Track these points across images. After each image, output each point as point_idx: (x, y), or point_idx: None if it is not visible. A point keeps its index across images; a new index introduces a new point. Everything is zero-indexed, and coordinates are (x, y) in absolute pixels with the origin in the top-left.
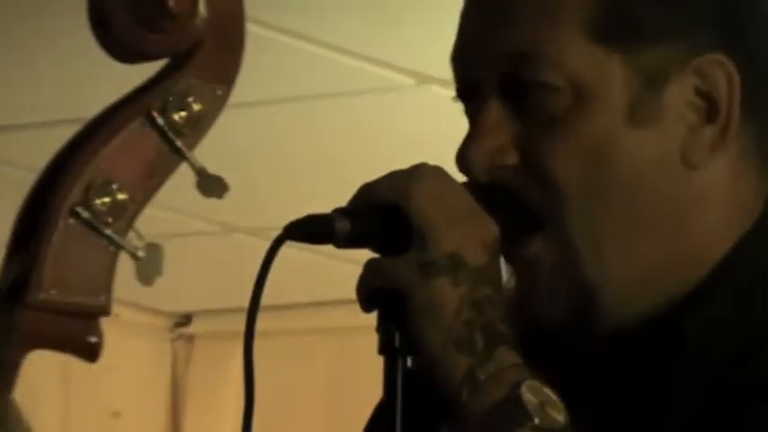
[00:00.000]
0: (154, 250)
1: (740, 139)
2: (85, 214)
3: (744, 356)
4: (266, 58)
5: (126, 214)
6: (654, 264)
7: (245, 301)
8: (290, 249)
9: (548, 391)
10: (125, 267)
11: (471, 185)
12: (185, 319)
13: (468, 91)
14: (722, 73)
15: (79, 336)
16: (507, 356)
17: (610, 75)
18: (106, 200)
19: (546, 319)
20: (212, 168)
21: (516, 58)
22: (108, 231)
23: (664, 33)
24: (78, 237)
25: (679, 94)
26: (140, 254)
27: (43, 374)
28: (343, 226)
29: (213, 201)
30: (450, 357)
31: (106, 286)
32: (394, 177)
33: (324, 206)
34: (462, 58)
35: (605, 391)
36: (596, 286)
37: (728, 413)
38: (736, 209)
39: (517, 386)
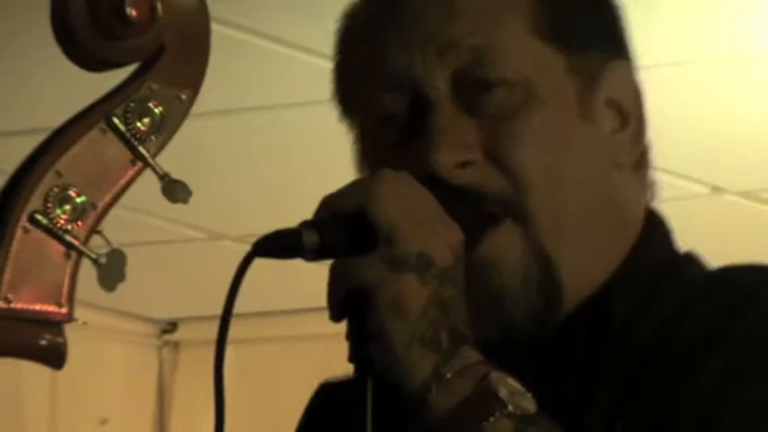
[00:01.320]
0: (116, 256)
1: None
2: (44, 221)
3: (666, 324)
4: (255, 66)
5: (87, 221)
6: (600, 249)
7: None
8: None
9: (513, 381)
10: None
11: (433, 191)
12: (171, 326)
13: (406, 97)
14: (628, 81)
15: (42, 343)
16: (471, 354)
17: (557, 72)
18: (66, 207)
19: (513, 323)
20: (199, 177)
21: (470, 54)
22: (68, 238)
23: (590, 39)
24: (38, 244)
25: (602, 99)
26: (102, 260)
27: (31, 381)
28: (310, 239)
29: (200, 208)
30: (415, 355)
31: (68, 293)
32: (357, 184)
33: (307, 213)
34: (404, 60)
35: (558, 377)
36: (563, 269)
37: (659, 378)
38: (638, 210)
39: (485, 378)
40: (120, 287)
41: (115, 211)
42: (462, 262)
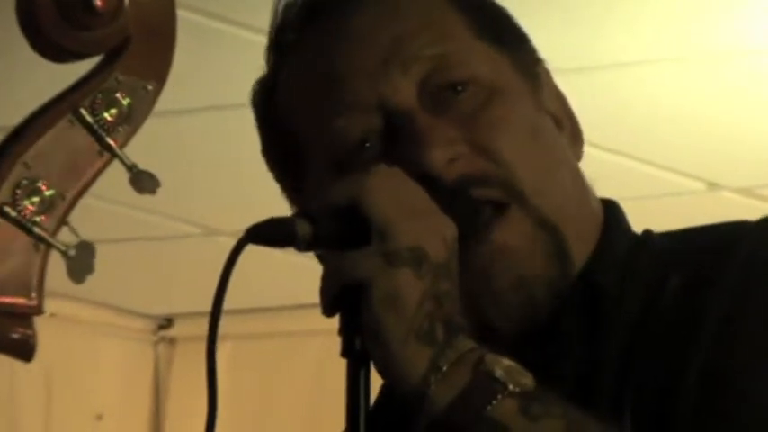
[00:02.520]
0: (85, 248)
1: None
2: (13, 213)
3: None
4: (252, 63)
5: (56, 212)
6: (584, 226)
7: (227, 305)
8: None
9: (507, 360)
10: (108, 271)
11: (426, 188)
12: (167, 322)
13: (380, 113)
14: (549, 88)
15: (11, 335)
16: (465, 343)
17: (507, 70)
18: (35, 199)
19: (538, 290)
20: (194, 173)
21: (433, 62)
22: (37, 230)
23: (518, 41)
24: (7, 236)
25: (542, 102)
26: (71, 252)
27: (26, 377)
28: (304, 229)
29: (195, 203)
30: (411, 350)
31: (38, 285)
32: (350, 178)
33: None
34: (367, 83)
35: (555, 356)
36: (568, 241)
37: (658, 342)
38: (596, 200)
39: (480, 363)
40: (117, 283)
41: (110, 207)
42: (456, 255)
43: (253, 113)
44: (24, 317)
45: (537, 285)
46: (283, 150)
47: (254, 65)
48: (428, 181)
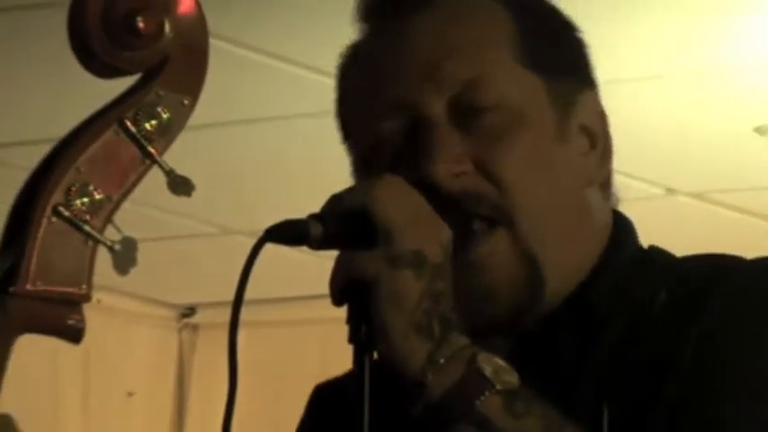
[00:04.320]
0: (129, 244)
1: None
2: (67, 213)
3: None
4: (258, 81)
5: (103, 212)
6: (577, 250)
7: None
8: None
9: (497, 359)
10: (138, 265)
11: (426, 196)
12: (190, 311)
13: (406, 119)
14: (594, 108)
15: (64, 321)
16: (459, 339)
17: (538, 96)
18: (85, 200)
19: (500, 313)
20: (216, 181)
21: (465, 86)
22: (87, 228)
23: (563, 70)
24: (61, 233)
25: (576, 122)
26: (116, 247)
27: (66, 358)
28: (316, 230)
29: (215, 206)
30: (411, 342)
31: (87, 276)
32: (360, 186)
33: (308, 209)
34: (404, 89)
35: (543, 367)
36: (545, 268)
37: (640, 360)
38: (607, 218)
39: (473, 360)
40: (146, 276)
41: (140, 210)
42: (450, 258)
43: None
44: (75, 304)
45: (502, 304)
46: (339, 117)
47: (263, 85)
48: (429, 188)
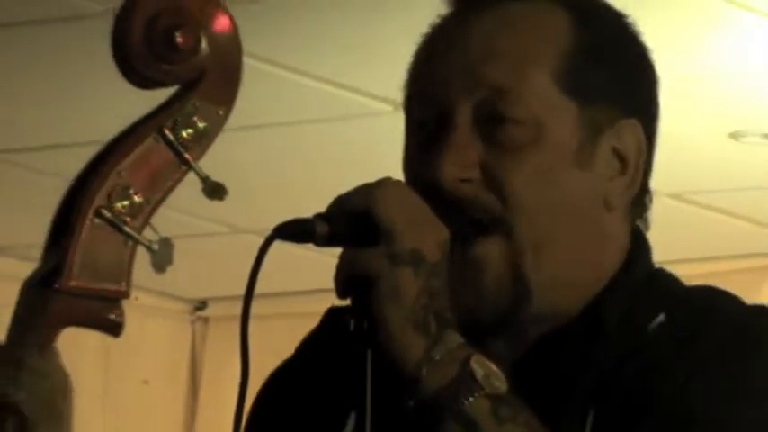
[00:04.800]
0: (166, 244)
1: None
2: (108, 215)
3: (656, 332)
4: (263, 88)
5: (142, 214)
6: (577, 276)
7: (256, 289)
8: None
9: (490, 363)
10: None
11: (427, 196)
12: (202, 304)
13: (436, 112)
14: (634, 136)
15: (104, 316)
16: (454, 337)
17: (566, 119)
18: (125, 203)
19: (483, 313)
20: (225, 183)
21: (494, 93)
22: (127, 229)
23: (604, 96)
24: (102, 233)
25: (606, 148)
26: (154, 247)
27: (87, 348)
28: (322, 228)
29: (225, 207)
30: (408, 337)
31: (126, 274)
32: (363, 188)
33: (311, 210)
34: (441, 82)
35: (544, 376)
36: (533, 283)
37: (649, 376)
38: (623, 241)
39: (467, 362)
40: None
41: (158, 211)
42: (447, 258)
43: None
44: (115, 300)
45: (485, 305)
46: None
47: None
48: (432, 189)
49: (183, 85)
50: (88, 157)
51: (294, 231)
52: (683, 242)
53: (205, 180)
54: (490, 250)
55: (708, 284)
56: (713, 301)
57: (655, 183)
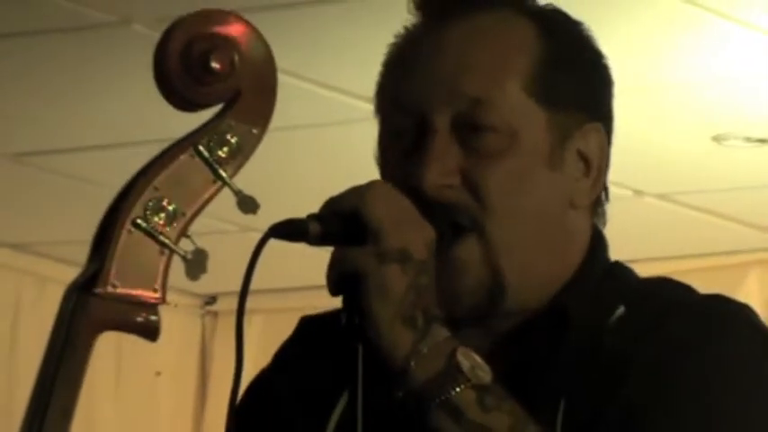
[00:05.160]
0: (200, 254)
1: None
2: (145, 225)
3: (618, 321)
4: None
5: (178, 226)
6: (545, 272)
7: (258, 284)
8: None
9: (474, 355)
10: None
11: (413, 198)
12: (212, 299)
13: (415, 122)
14: (597, 139)
15: (140, 320)
16: (440, 331)
17: (537, 126)
18: (162, 215)
19: (462, 311)
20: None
21: (470, 103)
22: (163, 239)
23: (571, 101)
24: (140, 243)
25: (573, 151)
26: (189, 256)
27: (101, 341)
28: (314, 228)
29: (234, 207)
30: (396, 331)
31: (162, 281)
32: (353, 190)
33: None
34: (419, 93)
35: (517, 363)
36: (507, 281)
37: (612, 363)
38: (585, 237)
39: (453, 355)
40: (173, 269)
41: None
42: (433, 256)
43: None
44: (151, 306)
45: (465, 301)
46: (375, 96)
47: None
48: (416, 193)
49: (222, 106)
50: (102, 159)
51: (288, 231)
52: (669, 240)
53: (238, 194)
54: (470, 251)
55: (663, 276)
56: (671, 292)
57: (643, 184)
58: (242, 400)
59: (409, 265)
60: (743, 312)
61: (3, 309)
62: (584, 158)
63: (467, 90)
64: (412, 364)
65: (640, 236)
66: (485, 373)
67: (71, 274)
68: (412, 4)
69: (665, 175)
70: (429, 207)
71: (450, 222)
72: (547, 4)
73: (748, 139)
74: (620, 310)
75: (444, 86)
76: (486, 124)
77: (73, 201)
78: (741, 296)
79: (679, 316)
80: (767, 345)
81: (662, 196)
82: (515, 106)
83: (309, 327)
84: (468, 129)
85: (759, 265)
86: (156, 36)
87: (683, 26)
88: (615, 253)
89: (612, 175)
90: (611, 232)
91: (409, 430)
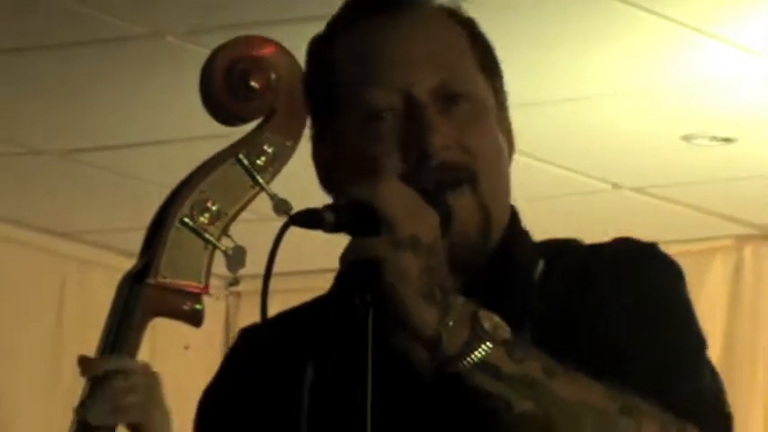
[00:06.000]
0: (239, 250)
1: None
2: (192, 224)
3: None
4: None
5: (221, 225)
6: (504, 215)
7: (279, 267)
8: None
9: (492, 315)
10: None
11: (417, 166)
12: (235, 281)
13: (399, 100)
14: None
15: (186, 308)
16: (457, 300)
17: (489, 93)
18: (206, 214)
19: (464, 245)
20: None
21: (444, 79)
22: (207, 236)
23: (496, 74)
24: (186, 239)
25: (504, 114)
26: (229, 252)
27: None
28: (329, 217)
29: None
30: (420, 306)
31: (205, 274)
32: (365, 184)
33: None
34: (397, 75)
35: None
36: (493, 221)
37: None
38: (509, 201)
39: (476, 319)
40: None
41: None
42: (440, 238)
43: (305, 58)
44: (196, 296)
45: (464, 242)
46: (321, 94)
47: None
48: (417, 160)
49: (260, 121)
50: (138, 155)
51: (306, 219)
52: (644, 228)
53: (273, 198)
54: (461, 199)
55: (563, 237)
56: (578, 244)
57: (620, 178)
58: (199, 409)
59: (420, 249)
60: (654, 245)
61: (50, 289)
62: (505, 128)
63: (439, 70)
64: (444, 336)
65: (618, 224)
66: (504, 330)
67: (112, 259)
68: (343, 10)
69: (640, 170)
70: (429, 171)
71: (453, 177)
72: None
73: (714, 138)
74: (540, 264)
75: (419, 67)
76: (461, 93)
77: (112, 192)
78: (709, 276)
79: (603, 257)
80: (676, 266)
81: (637, 189)
82: (476, 79)
83: (249, 333)
84: (446, 99)
85: (723, 250)
86: (186, 47)
87: (659, 40)
88: (596, 240)
89: (594, 171)
90: (592, 221)
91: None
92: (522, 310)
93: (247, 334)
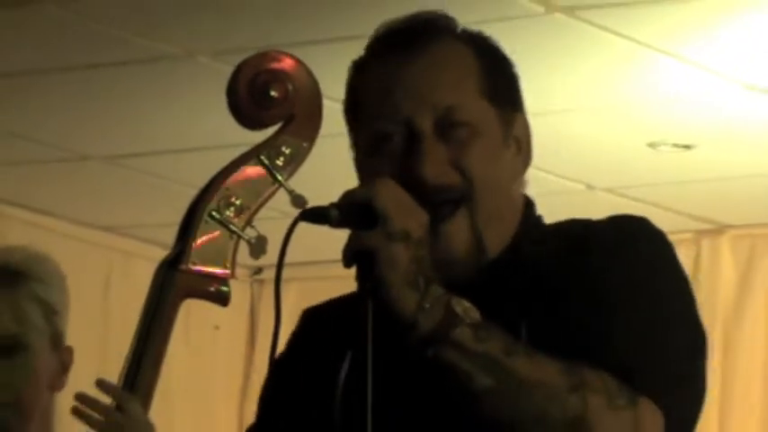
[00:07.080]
0: (261, 239)
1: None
2: (219, 216)
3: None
4: None
5: (244, 217)
6: (506, 222)
7: (296, 258)
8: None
9: (465, 302)
10: None
11: (410, 189)
12: (259, 270)
13: (403, 128)
14: (524, 126)
15: (214, 290)
16: (437, 289)
17: (492, 119)
18: (232, 208)
19: (457, 267)
20: None
21: (447, 110)
22: (232, 227)
23: (506, 100)
24: (214, 230)
25: (512, 136)
26: (252, 241)
27: None
28: (334, 214)
29: (276, 197)
30: (405, 293)
31: (231, 260)
32: (365, 185)
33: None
34: (402, 107)
35: (485, 299)
36: (485, 239)
37: (559, 287)
38: (520, 203)
39: (449, 304)
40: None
41: None
42: (428, 233)
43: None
44: (223, 280)
45: (457, 265)
46: (351, 111)
47: None
48: (416, 185)
49: (279, 125)
50: (174, 161)
51: (314, 215)
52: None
53: (291, 194)
54: (457, 224)
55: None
56: (578, 221)
57: (594, 180)
58: (264, 384)
59: (410, 242)
60: (644, 218)
61: (96, 280)
62: (516, 141)
63: (442, 101)
64: (419, 317)
65: None
66: (475, 314)
67: (152, 251)
68: (372, 42)
69: (611, 173)
70: (426, 194)
71: (446, 200)
72: (471, 29)
73: (675, 146)
74: (548, 245)
75: (423, 100)
76: (461, 121)
77: (152, 192)
78: None
79: (595, 234)
80: (666, 239)
81: (609, 190)
82: (476, 107)
83: (311, 314)
84: (447, 127)
85: (684, 243)
86: (216, 66)
87: (626, 60)
88: None
89: (569, 173)
90: (568, 218)
91: (409, 374)
92: (520, 313)
93: (307, 314)
